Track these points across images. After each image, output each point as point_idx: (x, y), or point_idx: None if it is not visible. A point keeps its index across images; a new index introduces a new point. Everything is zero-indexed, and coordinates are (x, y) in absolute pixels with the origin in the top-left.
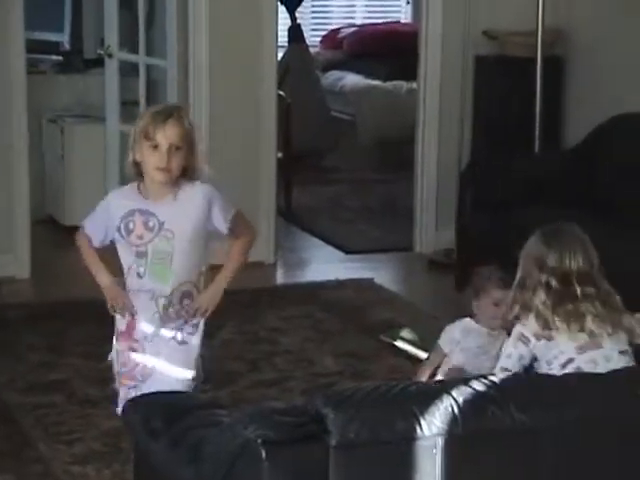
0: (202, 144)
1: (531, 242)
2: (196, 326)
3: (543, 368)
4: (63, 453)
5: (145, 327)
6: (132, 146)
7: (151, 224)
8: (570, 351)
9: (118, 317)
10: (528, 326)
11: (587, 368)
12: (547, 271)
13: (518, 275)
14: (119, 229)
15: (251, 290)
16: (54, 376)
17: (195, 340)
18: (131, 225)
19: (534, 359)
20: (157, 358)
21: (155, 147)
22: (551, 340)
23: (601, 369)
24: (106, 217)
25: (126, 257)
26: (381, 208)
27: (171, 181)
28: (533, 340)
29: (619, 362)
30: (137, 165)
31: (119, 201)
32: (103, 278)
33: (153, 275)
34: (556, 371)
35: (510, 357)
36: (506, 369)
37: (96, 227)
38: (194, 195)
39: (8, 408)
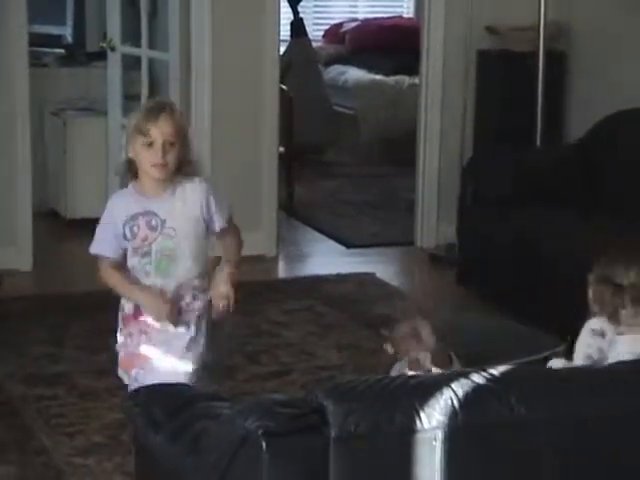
0: (194, 139)
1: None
2: (204, 310)
3: None
4: (65, 445)
5: (153, 322)
6: (126, 144)
7: (153, 223)
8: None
9: (124, 301)
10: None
11: None
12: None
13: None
14: (125, 235)
15: (252, 283)
16: (56, 368)
17: (204, 327)
18: (135, 229)
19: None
20: (164, 350)
21: (150, 144)
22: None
23: None
24: (112, 224)
25: (131, 258)
26: (383, 202)
27: (167, 177)
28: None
29: None
30: (131, 163)
31: (120, 206)
32: (138, 294)
33: (159, 272)
34: None
35: (590, 347)
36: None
37: (107, 241)
38: (193, 191)
39: (10, 400)
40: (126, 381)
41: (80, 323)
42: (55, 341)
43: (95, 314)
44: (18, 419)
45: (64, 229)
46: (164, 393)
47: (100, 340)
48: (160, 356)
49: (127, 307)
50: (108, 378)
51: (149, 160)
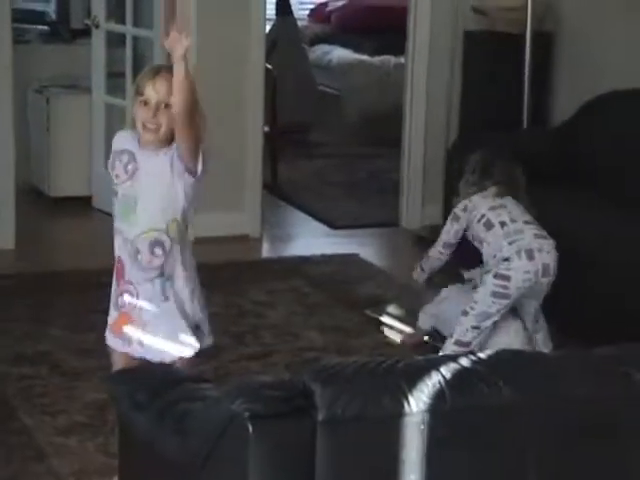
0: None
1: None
2: (172, 278)
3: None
4: (47, 424)
5: (129, 272)
6: (132, 104)
7: (129, 167)
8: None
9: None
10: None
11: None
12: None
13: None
14: (109, 163)
15: (236, 263)
16: (39, 347)
17: (176, 297)
18: (117, 162)
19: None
20: (148, 309)
21: (145, 103)
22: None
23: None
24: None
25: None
26: (367, 183)
27: (159, 140)
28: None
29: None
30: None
31: (120, 139)
32: None
33: (120, 216)
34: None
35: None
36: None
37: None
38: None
39: None
40: (120, 347)
41: (63, 302)
42: (38, 320)
43: (79, 293)
44: None
45: (47, 207)
46: (148, 374)
47: (84, 319)
48: (148, 337)
49: (115, 252)
50: (92, 358)
51: (141, 118)
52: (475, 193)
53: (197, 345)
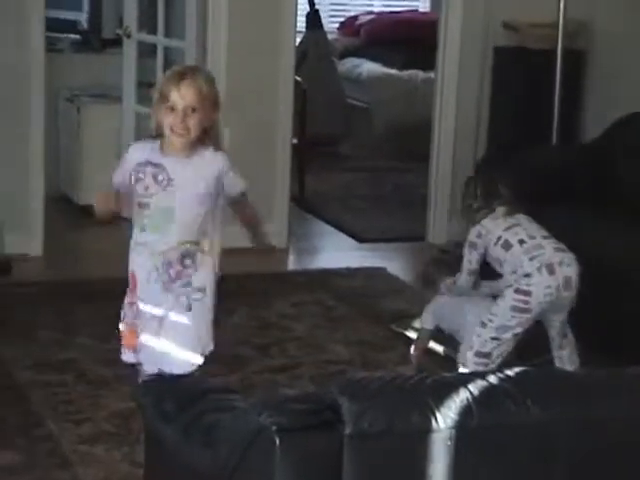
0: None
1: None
2: (203, 290)
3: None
4: (72, 432)
5: (144, 291)
6: (154, 107)
7: (160, 177)
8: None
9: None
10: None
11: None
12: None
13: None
14: (131, 176)
15: (262, 275)
16: (65, 355)
17: (201, 308)
18: (141, 175)
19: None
20: (159, 327)
21: (172, 109)
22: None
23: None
24: (128, 162)
25: (134, 207)
26: (394, 197)
27: (189, 143)
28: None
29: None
30: (159, 126)
31: (138, 151)
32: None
33: (154, 228)
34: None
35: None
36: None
37: (121, 173)
38: (211, 161)
39: (18, 386)
40: (132, 359)
41: (90, 310)
42: (64, 327)
43: (106, 301)
44: (25, 405)
45: (75, 215)
46: (176, 384)
47: (111, 328)
48: (161, 343)
49: (130, 266)
50: (118, 366)
51: (169, 124)
52: (484, 217)
53: (199, 362)
